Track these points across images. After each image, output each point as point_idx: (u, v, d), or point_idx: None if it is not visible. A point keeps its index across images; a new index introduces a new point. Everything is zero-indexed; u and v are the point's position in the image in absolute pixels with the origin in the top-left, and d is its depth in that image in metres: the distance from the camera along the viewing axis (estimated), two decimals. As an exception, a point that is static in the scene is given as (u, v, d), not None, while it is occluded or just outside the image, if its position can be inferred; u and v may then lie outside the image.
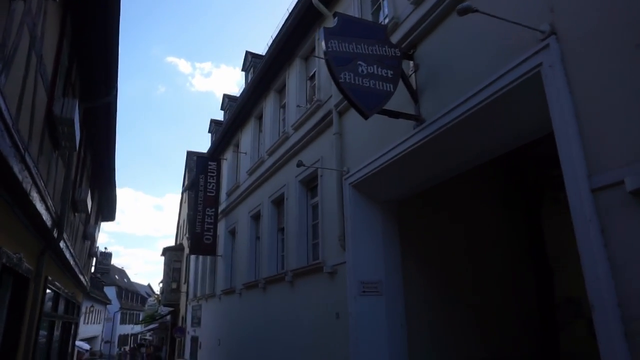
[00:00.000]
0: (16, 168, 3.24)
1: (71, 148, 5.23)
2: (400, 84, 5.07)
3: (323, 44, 4.80)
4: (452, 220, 7.52)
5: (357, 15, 6.96)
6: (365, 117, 4.79)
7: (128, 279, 63.41)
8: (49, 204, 4.87)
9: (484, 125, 4.74)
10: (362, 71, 4.83)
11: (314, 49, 8.97)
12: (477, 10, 3.62)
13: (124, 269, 64.39)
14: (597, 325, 3.07)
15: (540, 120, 4.31)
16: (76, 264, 8.85)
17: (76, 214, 8.19)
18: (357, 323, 6.14)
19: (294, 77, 9.81)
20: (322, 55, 8.20)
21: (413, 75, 5.52)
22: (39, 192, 4.21)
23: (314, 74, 8.99)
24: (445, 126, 4.87)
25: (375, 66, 4.92)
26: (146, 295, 62.30)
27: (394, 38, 5.74)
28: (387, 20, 6.41)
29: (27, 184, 3.71)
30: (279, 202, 10.15)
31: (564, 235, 7.95)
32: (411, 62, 5.60)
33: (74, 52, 5.82)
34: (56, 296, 8.22)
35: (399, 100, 5.29)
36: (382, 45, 5.07)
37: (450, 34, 5.00)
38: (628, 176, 2.92)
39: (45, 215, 4.78)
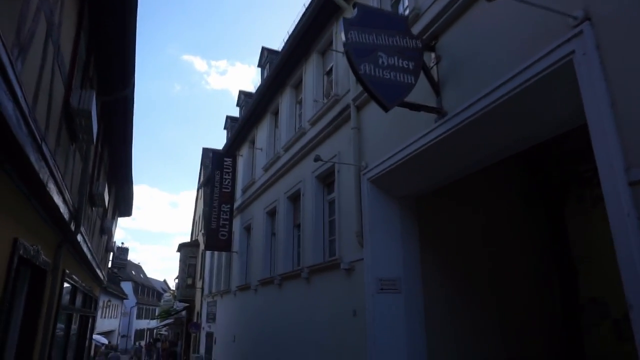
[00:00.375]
0: (33, 157, 3.20)
1: (88, 141, 5.20)
2: (422, 76, 4.92)
3: (343, 35, 4.66)
4: (472, 217, 7.33)
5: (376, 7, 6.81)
6: (386, 110, 4.65)
7: (144, 274, 64.26)
8: (66, 197, 4.85)
9: (509, 118, 4.57)
10: (383, 63, 4.69)
11: (331, 43, 8.85)
12: (506, -5, 3.46)
13: (141, 264, 65.18)
14: (635, 325, 2.90)
15: (570, 112, 4.13)
16: (93, 257, 8.90)
17: (93, 208, 8.22)
18: (374, 321, 6.02)
19: (310, 72, 9.70)
20: (341, 49, 8.11)
21: (435, 67, 5.37)
22: (56, 183, 4.18)
23: (331, 68, 8.87)
24: (468, 119, 4.71)
25: (396, 58, 4.77)
26: (162, 291, 63.03)
27: (415, 29, 5.58)
28: (407, 12, 6.25)
29: (44, 175, 3.67)
30: (295, 198, 10.06)
31: (589, 233, 7.74)
32: (433, 54, 5.45)
33: (91, 46, 5.80)
34: (74, 289, 8.26)
35: (420, 92, 5.14)
36: (402, 36, 4.92)
37: (474, 24, 4.83)
38: (670, 168, 2.75)
39: (62, 208, 4.76)
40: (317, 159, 7.00)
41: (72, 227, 5.73)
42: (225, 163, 14.63)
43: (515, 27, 4.18)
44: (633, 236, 2.96)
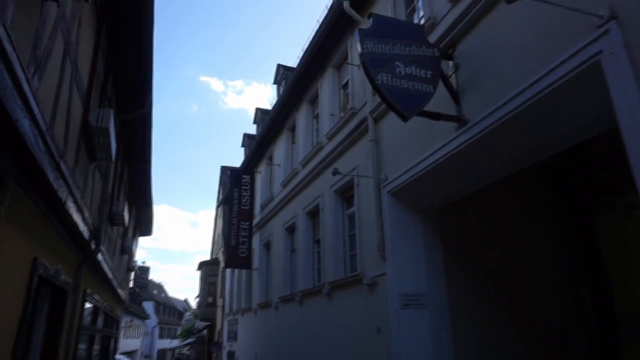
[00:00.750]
0: (51, 176, 3.19)
1: (107, 159, 5.23)
2: (440, 85, 4.82)
3: (358, 45, 4.61)
4: (497, 228, 7.10)
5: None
6: (405, 120, 4.56)
7: (165, 293, 64.57)
8: (85, 215, 4.86)
9: (533, 124, 4.42)
10: (400, 72, 4.61)
11: (346, 57, 8.83)
12: (528, -5, 3.35)
13: (162, 284, 65.65)
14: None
15: (598, 116, 3.97)
16: (114, 277, 8.92)
17: (114, 227, 8.27)
18: (399, 337, 5.81)
19: (326, 87, 9.69)
20: (356, 62, 8.09)
21: (453, 76, 5.26)
22: (75, 202, 4.18)
23: (347, 82, 8.84)
24: (490, 127, 4.57)
25: (413, 67, 4.69)
26: (183, 310, 63.18)
27: (432, 38, 5.51)
28: (422, 21, 6.19)
29: (63, 193, 3.67)
30: (314, 214, 9.96)
31: (622, 243, 7.40)
32: (450, 62, 5.35)
33: (109, 64, 5.89)
34: (95, 310, 8.27)
35: (439, 101, 5.03)
36: (419, 45, 4.85)
37: (492, 29, 4.73)
38: None
39: (82, 226, 4.76)
40: (335, 172, 6.91)
41: (92, 246, 5.74)
42: (243, 180, 14.66)
43: (537, 29, 4.06)
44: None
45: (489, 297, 6.64)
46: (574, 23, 3.60)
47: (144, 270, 15.17)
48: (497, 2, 4.59)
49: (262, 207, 14.22)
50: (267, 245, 13.74)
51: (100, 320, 9.15)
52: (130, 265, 12.84)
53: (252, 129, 20.73)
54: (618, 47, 3.25)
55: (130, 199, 10.89)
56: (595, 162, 7.55)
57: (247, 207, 14.38)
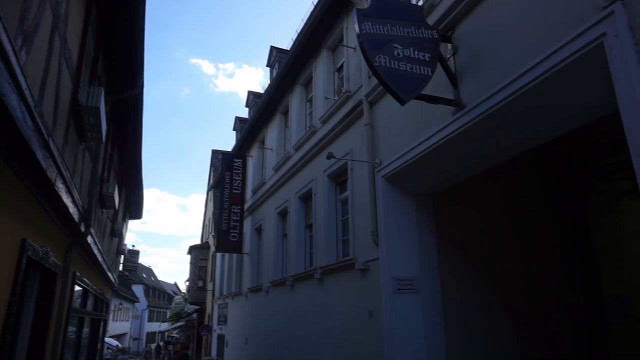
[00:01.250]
0: (39, 154, 3.08)
1: (97, 140, 5.10)
2: (438, 68, 4.74)
3: (356, 26, 4.50)
4: (491, 213, 7.12)
5: None
6: (403, 103, 4.48)
7: (155, 277, 64.53)
8: (75, 197, 4.75)
9: (532, 109, 4.37)
10: (398, 54, 4.52)
11: (341, 39, 8.69)
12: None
13: (151, 267, 65.53)
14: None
15: (598, 100, 3.94)
16: (104, 260, 8.82)
17: (104, 209, 8.14)
18: (392, 322, 5.83)
19: (320, 69, 9.55)
20: (351, 44, 7.96)
21: (452, 59, 5.19)
22: (65, 183, 4.07)
23: (342, 64, 8.72)
24: (488, 111, 4.52)
25: (411, 49, 4.60)
26: (173, 294, 63.24)
27: (430, 20, 5.40)
28: (421, 2, 6.07)
29: (52, 173, 3.55)
30: (306, 198, 9.91)
31: (612, 230, 7.48)
32: (449, 45, 5.26)
33: (99, 42, 5.71)
34: (85, 292, 8.18)
35: (437, 85, 4.97)
36: (418, 27, 4.75)
37: (493, 11, 4.65)
38: None
39: (71, 208, 4.65)
40: (329, 156, 6.84)
41: (82, 229, 5.63)
42: (235, 164, 14.54)
43: (538, 11, 3.99)
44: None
45: (482, 282, 6.68)
46: (577, 4, 3.54)
47: (134, 253, 15.03)
48: (499, -17, 4.50)
49: (254, 191, 14.14)
50: (258, 230, 13.69)
51: (90, 303, 9.07)
52: (120, 249, 12.72)
53: (244, 113, 20.52)
54: (622, 29, 3.20)
55: (120, 182, 10.73)
56: (590, 148, 7.58)
57: (239, 191, 14.29)
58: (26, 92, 2.57)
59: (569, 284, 7.54)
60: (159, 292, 61.20)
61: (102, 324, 11.78)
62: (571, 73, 3.76)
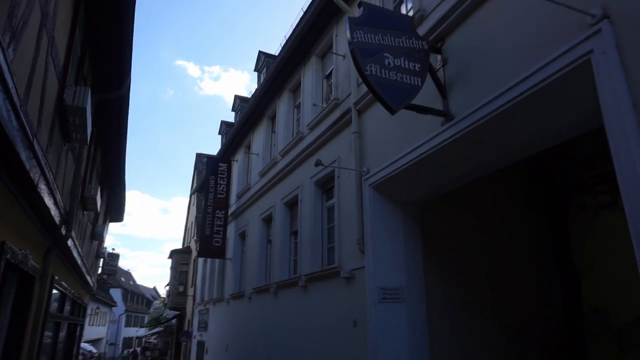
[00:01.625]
0: (23, 155, 2.99)
1: (82, 141, 4.99)
2: (428, 78, 4.78)
3: (348, 34, 4.51)
4: (475, 223, 7.18)
5: (379, 10, 6.69)
6: (393, 112, 4.49)
7: (134, 281, 63.41)
8: (57, 199, 4.63)
9: (520, 122, 4.44)
10: (389, 63, 4.55)
11: (331, 46, 8.72)
12: (525, -9, 3.33)
13: (130, 271, 64.36)
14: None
15: (585, 115, 4.01)
16: (83, 264, 8.62)
17: (85, 212, 7.97)
18: (376, 331, 5.82)
19: (309, 76, 9.56)
20: (341, 52, 7.99)
21: (441, 70, 5.24)
22: (48, 184, 3.96)
23: (331, 72, 8.74)
24: (476, 123, 4.57)
25: (402, 59, 4.63)
26: (152, 299, 62.24)
27: (420, 31, 5.46)
28: (411, 13, 6.14)
29: (35, 174, 3.46)
30: (292, 204, 9.87)
31: (591, 241, 7.62)
32: (439, 56, 5.32)
33: (86, 41, 5.61)
34: (62, 296, 7.98)
35: (426, 95, 5.00)
36: (409, 37, 4.79)
37: (483, 24, 4.72)
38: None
39: (53, 211, 4.53)
40: (317, 163, 6.82)
41: (63, 232, 5.49)
42: (220, 168, 14.41)
43: (528, 26, 4.06)
44: (661, 244, 2.80)
45: (466, 291, 6.72)
46: (566, 21, 3.61)
47: (114, 257, 14.75)
48: (489, -3, 4.58)
49: (239, 196, 14.03)
50: (242, 235, 13.58)
51: (67, 307, 8.85)
52: (99, 252, 12.47)
53: (229, 117, 20.43)
54: (609, 47, 3.28)
55: (102, 184, 10.53)
56: (572, 160, 7.72)
57: (223, 196, 14.16)
58: (12, 90, 2.50)
59: (551, 294, 7.64)
60: (138, 297, 60.10)
61: (78, 328, 11.49)
62: (559, 88, 3.83)
